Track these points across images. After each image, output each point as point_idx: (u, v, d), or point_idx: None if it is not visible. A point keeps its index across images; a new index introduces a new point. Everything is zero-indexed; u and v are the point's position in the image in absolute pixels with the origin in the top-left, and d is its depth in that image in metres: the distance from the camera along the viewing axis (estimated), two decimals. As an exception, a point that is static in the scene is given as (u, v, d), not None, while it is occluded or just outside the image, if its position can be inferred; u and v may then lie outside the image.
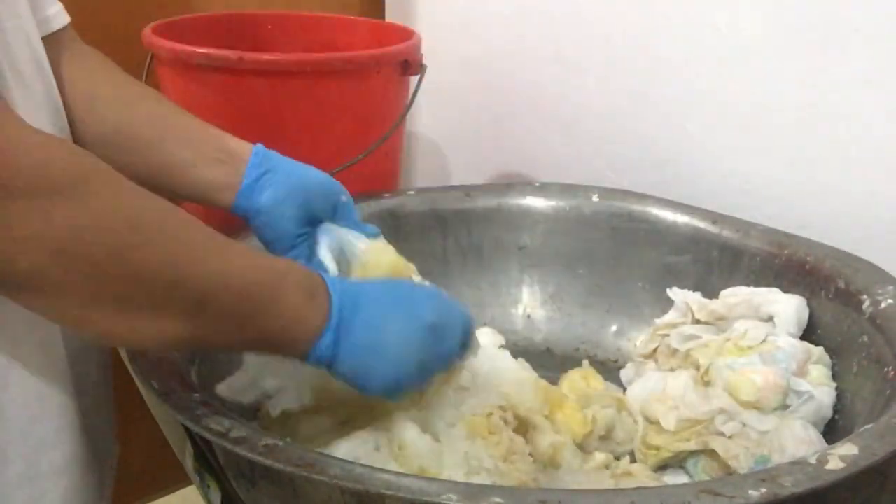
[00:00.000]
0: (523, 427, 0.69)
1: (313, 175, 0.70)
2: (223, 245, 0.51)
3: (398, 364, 0.56)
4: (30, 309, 0.47)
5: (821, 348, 0.73)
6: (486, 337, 0.86)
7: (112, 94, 0.69)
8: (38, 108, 0.59)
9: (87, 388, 0.67)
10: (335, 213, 0.71)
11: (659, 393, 0.74)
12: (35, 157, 0.43)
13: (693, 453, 0.70)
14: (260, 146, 0.70)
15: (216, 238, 0.51)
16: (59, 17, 0.69)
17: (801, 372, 0.71)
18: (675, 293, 0.83)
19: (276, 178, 0.69)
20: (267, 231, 0.69)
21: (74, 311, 0.46)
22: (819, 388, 0.69)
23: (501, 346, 0.85)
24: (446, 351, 0.59)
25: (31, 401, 0.59)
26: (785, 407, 0.69)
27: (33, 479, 0.60)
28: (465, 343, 0.61)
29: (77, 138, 0.66)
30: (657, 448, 0.71)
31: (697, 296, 0.82)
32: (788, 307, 0.75)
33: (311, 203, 0.69)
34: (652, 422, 0.73)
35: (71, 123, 0.65)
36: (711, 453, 0.68)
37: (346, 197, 0.71)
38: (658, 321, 0.84)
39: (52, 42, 0.67)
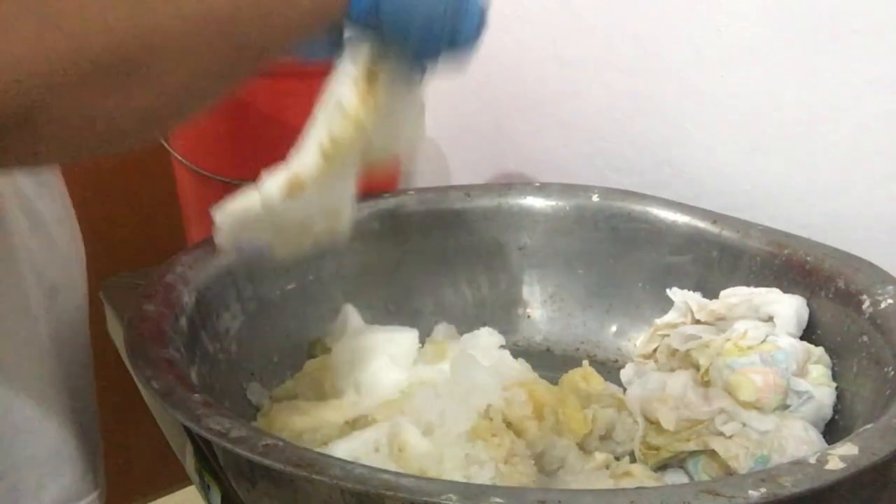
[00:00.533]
0: (519, 429, 0.69)
1: None
2: None
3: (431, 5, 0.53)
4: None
5: (821, 348, 0.73)
6: (486, 337, 0.87)
7: None
8: None
9: (70, 377, 0.67)
10: None
11: (659, 393, 0.74)
12: None
13: (693, 453, 0.70)
14: None
15: None
16: None
17: (801, 372, 0.71)
18: (675, 293, 0.83)
19: None
20: None
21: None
22: (819, 388, 0.69)
23: (501, 346, 0.85)
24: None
25: (6, 391, 0.59)
26: (785, 407, 0.69)
27: (7, 470, 0.60)
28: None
29: None
30: (657, 448, 0.71)
31: (697, 296, 0.82)
32: (788, 307, 0.75)
33: None
34: (652, 422, 0.73)
35: None
36: (711, 453, 0.68)
37: None
38: (658, 321, 0.84)
39: None
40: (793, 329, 0.74)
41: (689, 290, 0.83)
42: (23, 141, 0.39)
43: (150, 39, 0.40)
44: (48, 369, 0.63)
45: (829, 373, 0.71)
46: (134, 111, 0.42)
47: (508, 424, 0.68)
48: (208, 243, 0.80)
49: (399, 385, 0.74)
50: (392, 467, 0.63)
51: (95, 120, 0.41)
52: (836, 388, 0.70)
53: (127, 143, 0.45)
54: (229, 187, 0.92)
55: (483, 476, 0.62)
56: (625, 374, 0.84)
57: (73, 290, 0.69)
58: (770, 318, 0.75)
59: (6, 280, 0.58)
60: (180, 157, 0.94)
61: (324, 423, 0.71)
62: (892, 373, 0.64)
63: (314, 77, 0.91)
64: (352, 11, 0.51)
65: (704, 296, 0.82)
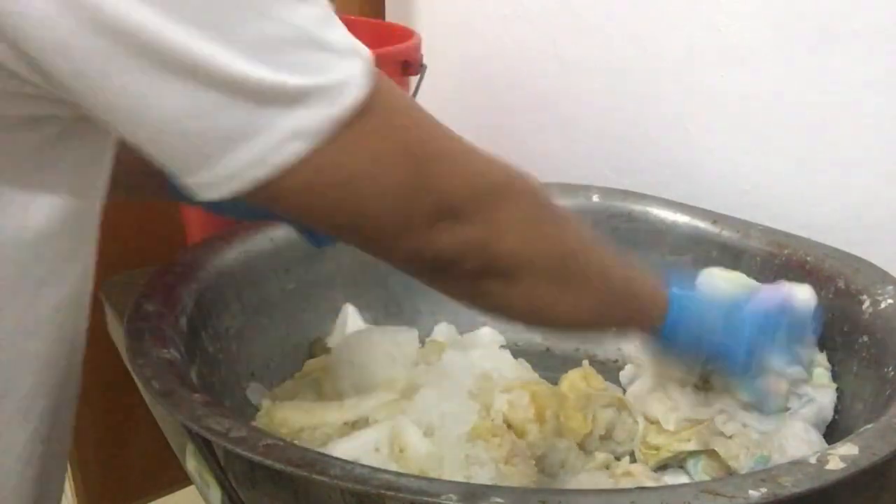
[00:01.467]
0: (520, 432, 0.69)
1: None
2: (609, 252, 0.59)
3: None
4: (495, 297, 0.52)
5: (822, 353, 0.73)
6: (486, 337, 0.87)
7: None
8: None
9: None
10: None
11: (659, 393, 0.74)
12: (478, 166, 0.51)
13: (693, 453, 0.70)
14: None
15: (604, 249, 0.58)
16: None
17: (801, 374, 0.71)
18: None
19: None
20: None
21: (536, 291, 0.53)
22: (820, 390, 0.69)
23: (502, 346, 0.85)
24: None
25: None
26: (785, 410, 0.69)
27: None
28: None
29: None
30: (657, 448, 0.71)
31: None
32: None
33: None
34: (652, 422, 0.73)
35: None
36: (712, 453, 0.68)
37: None
38: None
39: None
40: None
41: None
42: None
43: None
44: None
45: (829, 374, 0.71)
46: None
47: (509, 425, 0.68)
48: (208, 243, 0.80)
49: (399, 385, 0.74)
50: (392, 467, 0.63)
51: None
52: (836, 388, 0.70)
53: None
54: (229, 187, 0.92)
55: (484, 476, 0.62)
56: (624, 374, 0.84)
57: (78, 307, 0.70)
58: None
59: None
60: (180, 157, 0.94)
61: (324, 423, 0.71)
62: (892, 373, 0.64)
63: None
64: (663, 332, 0.62)
65: (704, 296, 0.82)
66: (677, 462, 0.71)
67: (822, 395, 0.69)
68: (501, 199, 0.51)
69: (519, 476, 0.62)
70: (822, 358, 0.72)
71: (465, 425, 0.66)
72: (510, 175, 0.53)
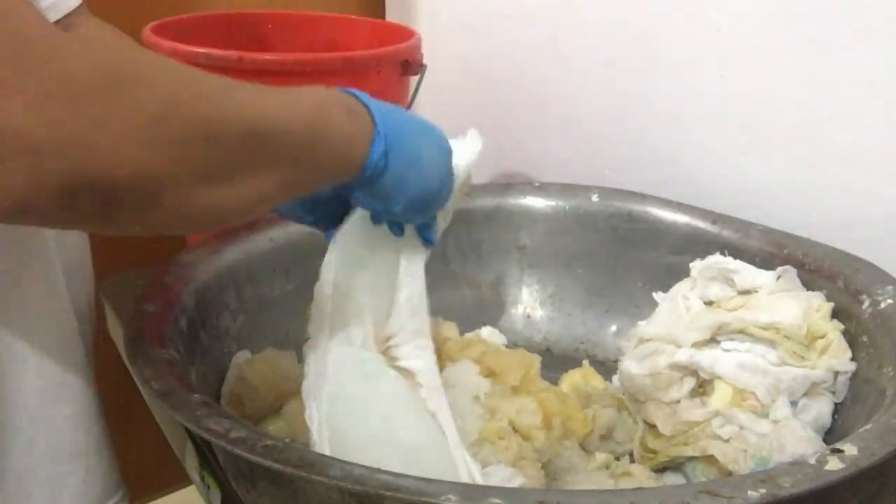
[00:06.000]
0: (526, 437, 0.68)
1: None
2: (263, 89, 0.50)
3: (428, 178, 0.58)
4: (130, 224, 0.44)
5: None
6: (487, 337, 0.86)
7: None
8: None
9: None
10: None
11: (659, 401, 0.73)
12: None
13: (691, 458, 0.70)
14: None
15: (253, 85, 0.49)
16: None
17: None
18: (660, 297, 0.83)
19: None
20: None
21: (171, 198, 0.43)
22: (817, 398, 0.69)
23: (504, 346, 0.85)
24: (451, 175, 0.62)
25: (50, 385, 0.60)
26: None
27: (55, 459, 0.61)
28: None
29: None
30: (654, 452, 0.71)
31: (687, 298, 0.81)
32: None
33: None
34: (650, 425, 0.73)
35: None
36: (710, 458, 0.68)
37: None
38: (641, 325, 0.83)
39: (68, 23, 0.69)
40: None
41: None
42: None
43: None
44: (86, 366, 0.64)
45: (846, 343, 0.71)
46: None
47: (515, 430, 0.67)
48: (208, 243, 0.80)
49: None
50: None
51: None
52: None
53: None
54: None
55: (491, 479, 0.61)
56: (617, 380, 0.83)
57: (84, 269, 0.71)
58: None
59: (39, 260, 0.60)
60: (180, 157, 0.94)
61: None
62: (892, 373, 0.64)
63: (313, 77, 0.92)
64: (368, 164, 0.54)
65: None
66: (676, 464, 0.71)
67: (819, 401, 0.69)
68: None
69: (525, 479, 0.62)
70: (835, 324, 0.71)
71: (472, 431, 0.65)
72: None
